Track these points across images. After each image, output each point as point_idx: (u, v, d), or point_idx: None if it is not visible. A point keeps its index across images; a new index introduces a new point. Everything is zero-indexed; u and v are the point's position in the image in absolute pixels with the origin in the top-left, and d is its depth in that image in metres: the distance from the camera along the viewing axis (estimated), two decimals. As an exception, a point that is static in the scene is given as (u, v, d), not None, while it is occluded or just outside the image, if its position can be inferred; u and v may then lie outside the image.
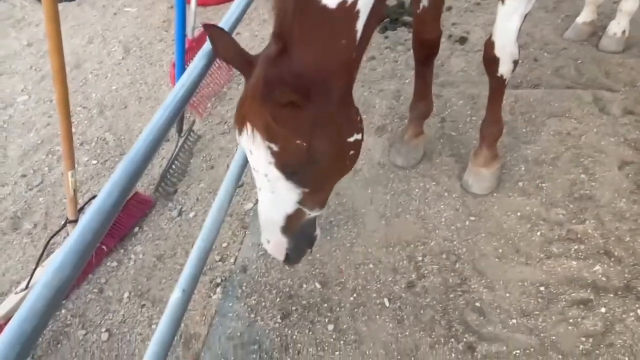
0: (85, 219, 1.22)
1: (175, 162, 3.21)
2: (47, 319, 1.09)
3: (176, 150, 3.22)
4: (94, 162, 3.42)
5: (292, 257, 1.76)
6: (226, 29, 1.95)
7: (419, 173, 2.98)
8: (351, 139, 1.63)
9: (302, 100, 1.44)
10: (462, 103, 3.43)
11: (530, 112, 3.27)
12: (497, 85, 2.58)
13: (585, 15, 3.84)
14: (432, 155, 3.09)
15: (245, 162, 2.35)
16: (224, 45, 1.57)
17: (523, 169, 2.93)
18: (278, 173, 1.52)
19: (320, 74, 1.48)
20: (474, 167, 2.81)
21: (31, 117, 3.89)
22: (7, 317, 2.36)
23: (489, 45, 2.44)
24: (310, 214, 1.69)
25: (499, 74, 2.49)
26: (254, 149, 1.52)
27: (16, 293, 2.43)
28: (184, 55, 3.09)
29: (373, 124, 3.31)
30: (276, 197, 1.59)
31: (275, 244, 1.70)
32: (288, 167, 1.51)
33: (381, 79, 3.71)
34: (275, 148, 1.47)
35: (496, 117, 2.73)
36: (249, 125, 1.50)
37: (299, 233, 1.72)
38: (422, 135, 3.03)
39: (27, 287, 2.43)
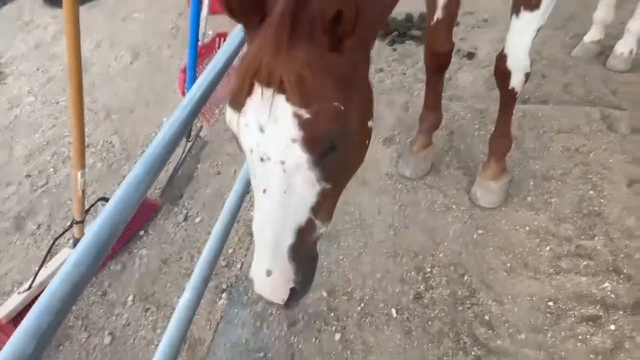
0: (102, 215, 1.21)
1: (182, 167, 3.20)
2: (63, 314, 1.07)
3: (183, 155, 3.22)
4: (100, 164, 3.41)
5: (299, 292, 1.31)
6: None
7: (427, 185, 2.98)
8: (370, 124, 1.36)
9: (351, 27, 1.13)
10: (470, 117, 3.43)
11: (538, 127, 3.28)
12: (508, 99, 2.58)
13: (593, 35, 3.86)
14: (440, 167, 3.08)
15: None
16: None
17: (531, 184, 2.92)
18: (303, 155, 1.16)
19: (359, 18, 1.17)
20: (482, 180, 2.80)
21: (37, 118, 3.89)
22: (10, 317, 2.33)
23: (502, 58, 2.44)
24: (321, 228, 1.32)
25: (510, 87, 2.49)
26: (271, 123, 1.15)
27: (19, 293, 2.40)
28: (196, 61, 3.09)
29: (381, 135, 3.31)
30: (289, 199, 1.22)
31: (280, 275, 1.26)
32: (319, 142, 1.16)
33: (389, 90, 3.72)
34: (306, 114, 1.12)
35: (505, 131, 2.73)
36: (264, 89, 1.14)
37: (308, 257, 1.33)
38: (431, 147, 3.03)
39: (30, 287, 2.40)
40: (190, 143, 3.30)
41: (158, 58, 4.49)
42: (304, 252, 1.29)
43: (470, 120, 3.41)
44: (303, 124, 1.13)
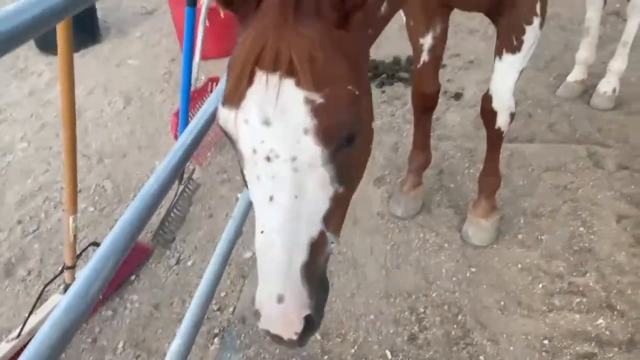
0: (93, 260, 1.21)
1: (174, 210, 3.20)
2: (53, 362, 1.06)
3: (175, 198, 3.22)
4: (92, 209, 3.40)
5: (315, 323, 1.13)
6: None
7: (418, 224, 2.99)
8: (372, 125, 1.27)
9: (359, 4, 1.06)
10: (460, 156, 3.48)
11: (526, 165, 3.33)
12: (495, 138, 2.63)
13: (576, 74, 3.98)
14: (431, 206, 3.11)
15: (247, 209, 2.36)
16: None
17: (522, 221, 2.95)
18: (316, 148, 1.04)
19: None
20: (473, 218, 2.82)
21: (30, 164, 3.90)
22: (-3, 367, 2.29)
23: (487, 98, 2.50)
24: (332, 243, 1.18)
25: (496, 127, 2.54)
26: (278, 114, 1.02)
27: (7, 341, 2.36)
28: (189, 105, 3.15)
29: (372, 174, 3.34)
30: (300, 206, 1.07)
31: (294, 300, 1.08)
32: (335, 132, 1.04)
33: (379, 131, 3.77)
34: (319, 99, 1.01)
35: (494, 169, 2.77)
36: (269, 75, 1.02)
37: (320, 279, 1.16)
38: (421, 186, 3.06)
39: (19, 335, 2.36)
40: (183, 186, 3.31)
41: (151, 103, 4.55)
42: (317, 273, 1.12)
43: (460, 159, 3.46)
44: (316, 111, 1.01)
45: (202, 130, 1.74)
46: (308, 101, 1.01)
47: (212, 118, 1.83)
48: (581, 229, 2.85)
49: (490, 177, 2.78)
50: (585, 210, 2.96)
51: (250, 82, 1.03)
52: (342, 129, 1.05)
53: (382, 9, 1.48)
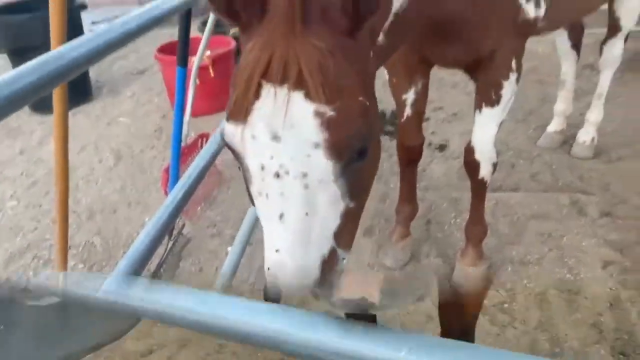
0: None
1: (164, 264, 3.20)
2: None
3: (165, 253, 3.23)
4: (81, 265, 3.39)
5: None
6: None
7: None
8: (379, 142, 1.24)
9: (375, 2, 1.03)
10: (446, 206, 3.54)
11: (511, 214, 3.39)
12: (479, 188, 2.70)
13: (555, 125, 4.11)
14: (420, 256, 3.13)
15: (237, 263, 2.38)
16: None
17: (509, 269, 2.98)
18: (328, 163, 1.01)
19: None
20: (462, 267, 2.85)
21: (19, 221, 3.89)
22: None
23: (469, 150, 2.58)
24: (344, 259, 1.17)
25: (480, 177, 2.62)
26: (287, 128, 0.99)
27: (-9, 405, 2.30)
28: (179, 161, 3.20)
29: (361, 226, 3.37)
30: (311, 224, 1.04)
31: None
32: (346, 146, 1.01)
33: (367, 183, 3.84)
34: (330, 112, 0.98)
35: (479, 219, 2.83)
36: (277, 88, 0.99)
37: None
38: (409, 237, 3.10)
39: (3, 398, 2.31)
40: (172, 242, 3.32)
41: (141, 159, 4.60)
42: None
43: (446, 209, 3.52)
44: (327, 124, 0.98)
45: (193, 185, 1.79)
46: (318, 114, 0.98)
47: (202, 174, 1.89)
48: (568, 275, 2.89)
49: (476, 226, 2.83)
50: (571, 257, 3.00)
51: (256, 95, 1.00)
52: (353, 142, 1.03)
53: (380, 38, 1.52)
